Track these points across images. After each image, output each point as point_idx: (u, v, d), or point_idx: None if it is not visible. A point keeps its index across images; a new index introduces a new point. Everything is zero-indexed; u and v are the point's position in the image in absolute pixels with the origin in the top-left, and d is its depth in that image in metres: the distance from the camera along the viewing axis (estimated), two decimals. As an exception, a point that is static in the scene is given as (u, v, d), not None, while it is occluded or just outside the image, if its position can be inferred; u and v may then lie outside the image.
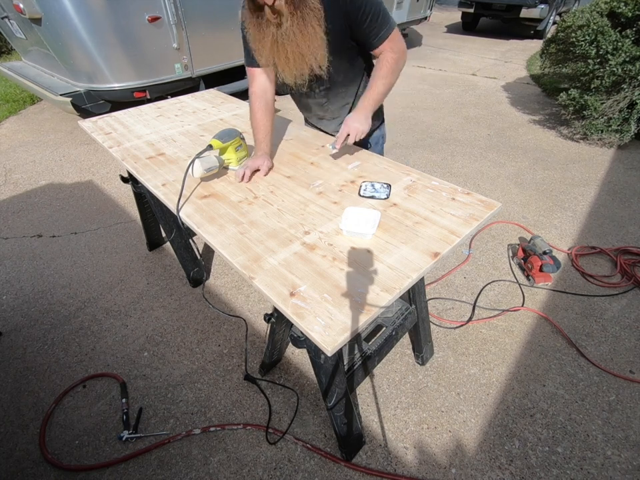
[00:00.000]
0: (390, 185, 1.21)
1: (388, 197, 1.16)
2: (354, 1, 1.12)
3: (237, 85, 3.86)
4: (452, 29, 8.66)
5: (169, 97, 3.19)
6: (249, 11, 1.11)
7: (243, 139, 1.34)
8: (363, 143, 1.49)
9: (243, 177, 1.26)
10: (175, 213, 1.11)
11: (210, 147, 1.22)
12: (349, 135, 1.21)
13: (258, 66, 1.29)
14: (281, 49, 1.14)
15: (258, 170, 1.31)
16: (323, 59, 1.18)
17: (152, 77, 3.29)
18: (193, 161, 1.18)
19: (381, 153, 1.62)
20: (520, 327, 1.79)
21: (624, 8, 3.12)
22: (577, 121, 3.54)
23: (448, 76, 5.47)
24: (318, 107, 1.47)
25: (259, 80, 1.34)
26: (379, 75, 1.23)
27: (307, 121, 1.69)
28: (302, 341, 1.01)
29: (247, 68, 1.35)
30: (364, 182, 1.23)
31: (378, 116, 1.54)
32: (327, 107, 1.45)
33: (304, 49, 1.14)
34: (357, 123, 1.20)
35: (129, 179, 1.82)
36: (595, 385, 1.55)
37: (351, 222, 1.01)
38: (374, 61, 1.29)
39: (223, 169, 1.32)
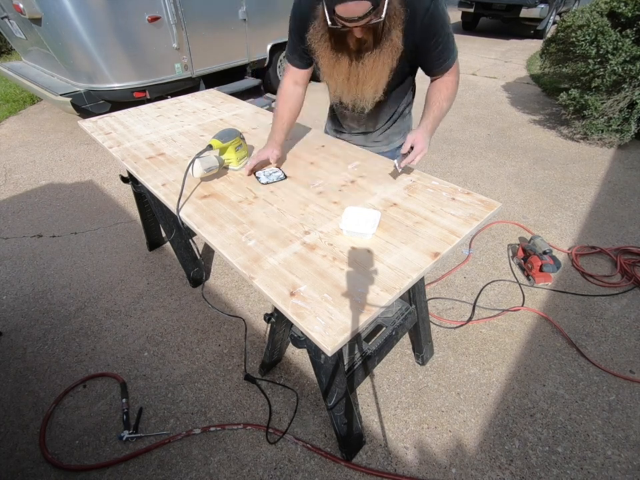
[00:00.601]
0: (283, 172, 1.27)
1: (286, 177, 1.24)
2: (428, 29, 1.08)
3: (237, 85, 3.86)
4: (452, 28, 8.65)
5: (169, 96, 3.19)
6: (329, 31, 1.04)
7: (242, 138, 1.34)
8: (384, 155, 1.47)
9: (251, 169, 1.29)
10: (175, 213, 1.11)
11: (210, 146, 1.22)
12: (417, 153, 1.14)
13: (299, 67, 1.29)
14: (352, 78, 1.14)
15: (267, 160, 1.31)
16: (382, 87, 1.18)
17: (152, 77, 3.29)
18: (193, 161, 1.18)
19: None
20: (520, 327, 1.79)
21: (624, 8, 3.12)
22: (577, 121, 3.54)
23: (448, 76, 5.46)
24: (353, 120, 1.46)
25: (295, 77, 1.32)
26: (443, 97, 1.21)
27: (330, 128, 1.63)
28: (302, 341, 1.01)
29: (287, 62, 1.32)
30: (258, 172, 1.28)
31: (402, 132, 1.51)
32: (363, 122, 1.44)
33: (368, 79, 1.13)
34: (423, 142, 1.14)
35: (129, 179, 1.82)
36: (595, 384, 1.55)
37: (351, 222, 1.01)
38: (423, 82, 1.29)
39: (223, 168, 1.32)
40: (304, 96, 1.37)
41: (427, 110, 1.23)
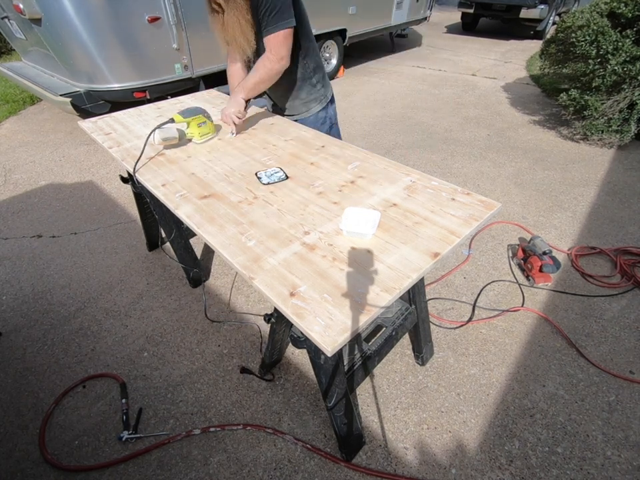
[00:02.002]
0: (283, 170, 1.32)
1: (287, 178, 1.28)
2: None
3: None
4: (452, 29, 8.66)
5: (168, 97, 3.19)
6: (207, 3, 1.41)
7: (208, 117, 1.51)
8: (303, 122, 1.72)
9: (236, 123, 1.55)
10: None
11: (172, 120, 1.41)
12: (234, 121, 1.51)
13: (222, 43, 1.53)
14: (226, 32, 1.42)
15: (240, 110, 1.54)
16: (252, 39, 1.42)
17: (152, 77, 3.29)
18: (153, 131, 1.38)
19: (331, 133, 1.77)
20: (520, 327, 1.79)
21: (624, 8, 3.13)
22: (577, 121, 3.54)
23: (448, 76, 5.47)
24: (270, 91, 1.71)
25: (232, 56, 1.60)
26: (254, 67, 1.46)
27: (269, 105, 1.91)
28: (302, 341, 1.01)
29: (225, 51, 1.60)
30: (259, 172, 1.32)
31: (318, 100, 1.71)
32: (275, 90, 1.68)
33: (237, 34, 1.40)
34: (231, 108, 1.50)
35: (129, 179, 1.82)
36: (595, 385, 1.55)
37: (351, 222, 1.01)
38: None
39: (186, 140, 1.52)
40: (243, 68, 1.63)
41: (242, 81, 1.53)
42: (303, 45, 1.53)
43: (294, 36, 1.41)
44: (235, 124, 1.53)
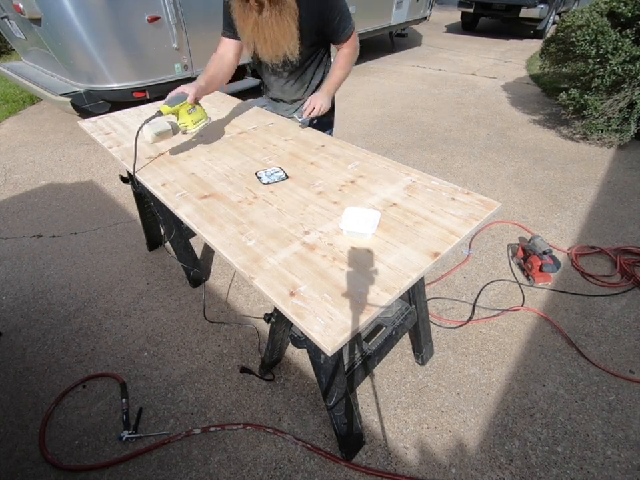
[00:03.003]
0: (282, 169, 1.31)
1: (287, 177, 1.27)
2: (327, 1, 1.37)
3: (237, 85, 3.86)
4: (452, 29, 8.66)
5: (168, 97, 3.19)
6: None
7: (197, 102, 1.37)
8: (315, 126, 1.72)
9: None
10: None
11: (160, 112, 1.27)
12: (314, 108, 1.49)
13: (230, 37, 1.52)
14: (260, 32, 1.36)
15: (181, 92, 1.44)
16: (294, 49, 1.43)
17: (152, 77, 3.29)
18: (141, 127, 1.25)
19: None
20: (520, 327, 1.79)
21: (624, 8, 3.13)
22: (577, 121, 3.54)
23: (448, 76, 5.47)
24: (278, 88, 1.69)
25: (227, 47, 1.54)
26: (338, 66, 1.53)
27: (268, 104, 1.89)
28: (302, 341, 1.02)
29: (221, 35, 1.54)
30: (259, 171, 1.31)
31: (331, 107, 1.74)
32: (285, 89, 1.68)
33: (279, 37, 1.37)
34: (321, 100, 1.50)
35: (129, 179, 1.82)
36: (595, 384, 1.55)
37: (351, 222, 1.01)
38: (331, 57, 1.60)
39: (182, 133, 1.41)
40: (233, 65, 1.58)
41: (328, 77, 1.56)
42: (329, 49, 1.65)
43: (324, 38, 1.52)
44: (310, 113, 1.51)
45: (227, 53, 1.54)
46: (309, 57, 1.55)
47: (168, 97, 1.34)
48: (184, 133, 1.41)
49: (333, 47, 1.59)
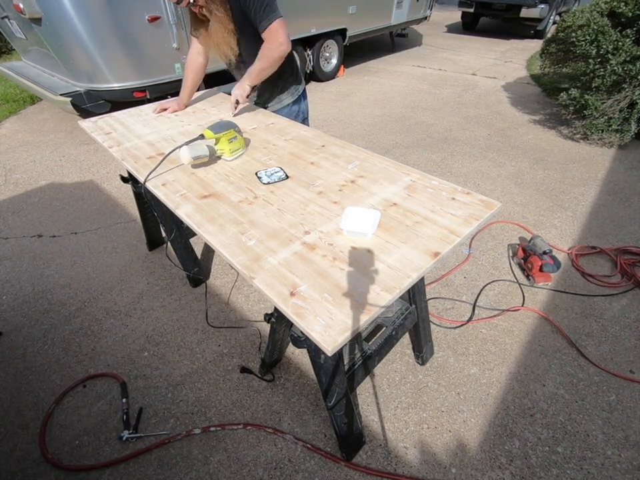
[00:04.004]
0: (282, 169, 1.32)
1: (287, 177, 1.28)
2: None
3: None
4: (452, 28, 8.66)
5: (168, 96, 3.18)
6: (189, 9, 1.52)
7: (238, 131, 1.39)
8: (278, 113, 1.85)
9: (158, 110, 1.84)
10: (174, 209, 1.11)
11: (202, 136, 1.30)
12: (235, 102, 1.64)
13: (197, 37, 1.69)
14: (211, 39, 1.58)
15: (166, 109, 1.85)
16: (234, 46, 1.60)
17: (152, 77, 3.29)
18: (180, 147, 1.25)
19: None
20: (520, 327, 1.79)
21: (624, 8, 3.12)
22: (577, 121, 3.54)
23: (448, 76, 5.47)
24: (240, 77, 1.76)
25: (196, 46, 1.73)
26: (258, 57, 1.55)
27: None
28: (302, 341, 1.02)
29: (191, 34, 1.72)
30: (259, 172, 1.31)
31: (291, 93, 1.86)
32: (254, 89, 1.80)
33: (221, 40, 1.56)
34: (236, 90, 1.62)
35: (129, 179, 1.82)
36: (595, 384, 1.55)
37: (351, 222, 1.01)
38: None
39: (215, 158, 1.38)
40: (205, 65, 1.81)
41: (248, 71, 1.61)
42: None
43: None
44: (236, 105, 1.66)
45: (198, 56, 1.76)
46: (253, 48, 1.58)
47: (214, 123, 1.37)
48: (218, 158, 1.41)
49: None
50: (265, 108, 1.90)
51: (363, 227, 0.99)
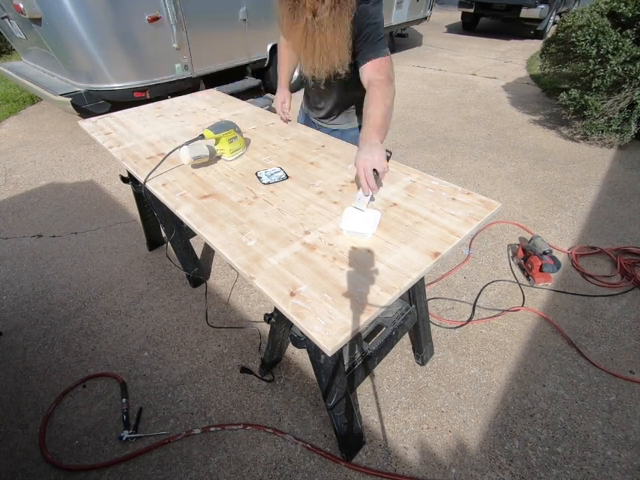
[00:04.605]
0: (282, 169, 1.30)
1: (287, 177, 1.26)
2: (365, 12, 1.12)
3: (237, 85, 3.86)
4: (452, 28, 8.66)
5: (169, 96, 3.19)
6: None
7: (239, 132, 1.38)
8: (343, 135, 1.59)
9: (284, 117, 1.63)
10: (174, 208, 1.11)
11: (202, 136, 1.28)
12: (368, 179, 1.01)
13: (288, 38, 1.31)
14: (309, 39, 1.15)
15: (284, 102, 1.62)
16: (346, 59, 1.19)
17: (152, 77, 3.29)
18: (180, 147, 1.25)
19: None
20: (520, 327, 1.79)
21: (624, 8, 3.12)
22: (577, 121, 3.54)
23: (448, 76, 5.47)
24: (316, 94, 1.56)
25: (288, 44, 1.37)
26: (373, 104, 1.14)
27: (302, 107, 1.77)
28: (302, 341, 1.02)
29: (280, 35, 1.44)
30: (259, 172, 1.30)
31: (358, 118, 1.56)
32: (325, 105, 1.56)
33: (331, 45, 1.14)
34: (369, 156, 1.02)
35: (129, 179, 1.82)
36: (595, 385, 1.55)
37: (351, 222, 1.01)
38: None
39: (215, 158, 1.38)
40: (297, 59, 1.42)
41: (364, 120, 1.15)
42: None
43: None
44: (371, 186, 1.02)
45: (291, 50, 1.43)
46: (353, 74, 1.27)
47: (214, 123, 1.33)
48: (218, 158, 1.40)
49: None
50: (332, 129, 1.63)
51: (363, 227, 0.99)
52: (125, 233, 2.43)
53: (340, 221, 1.04)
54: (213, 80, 3.74)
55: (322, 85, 1.40)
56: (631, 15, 3.10)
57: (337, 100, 1.50)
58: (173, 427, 1.42)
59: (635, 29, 3.07)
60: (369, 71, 1.19)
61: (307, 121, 1.73)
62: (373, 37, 1.16)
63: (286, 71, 1.61)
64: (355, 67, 1.26)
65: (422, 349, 1.57)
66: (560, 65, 3.78)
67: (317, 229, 1.04)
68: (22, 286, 2.04)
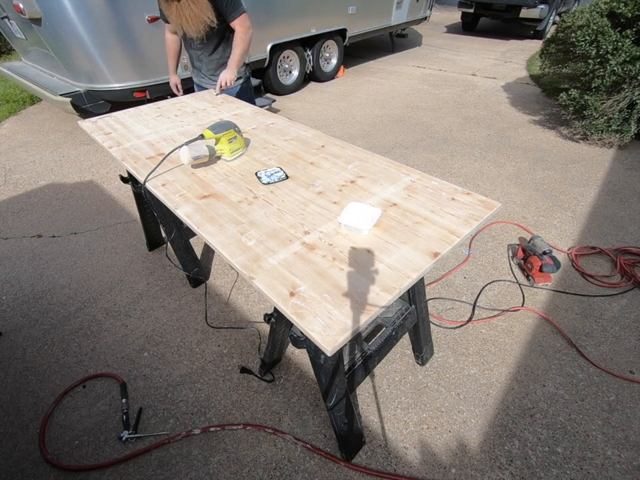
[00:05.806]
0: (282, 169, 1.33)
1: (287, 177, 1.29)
2: None
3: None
4: (452, 29, 8.66)
5: (168, 96, 3.19)
6: None
7: (238, 131, 1.39)
8: (233, 92, 2.17)
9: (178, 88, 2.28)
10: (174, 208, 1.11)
11: (202, 136, 1.30)
12: (223, 83, 1.99)
13: (167, 21, 1.99)
14: (182, 14, 1.80)
15: (177, 84, 2.28)
16: (213, 17, 1.84)
17: (152, 77, 3.29)
18: (180, 147, 1.26)
19: (250, 99, 2.28)
20: (520, 327, 1.79)
21: (624, 8, 3.12)
22: (577, 121, 3.54)
23: (448, 76, 5.47)
24: (196, 58, 2.14)
25: (170, 29, 2.09)
26: (234, 44, 1.96)
27: (193, 77, 2.35)
28: (302, 341, 1.01)
29: (161, 19, 2.04)
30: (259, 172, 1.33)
31: (244, 73, 2.22)
32: (202, 58, 2.11)
33: (198, 13, 1.79)
34: (225, 75, 1.99)
35: (129, 179, 1.82)
36: (595, 385, 1.55)
37: (350, 216, 1.02)
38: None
39: (215, 158, 1.39)
40: (179, 41, 2.15)
41: (230, 56, 2.00)
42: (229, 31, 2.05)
43: (225, 22, 1.93)
44: (222, 87, 2.02)
45: (174, 35, 2.10)
46: (216, 35, 1.97)
47: (214, 123, 1.36)
48: (218, 158, 1.41)
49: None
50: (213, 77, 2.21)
51: (360, 222, 1.00)
52: (124, 233, 2.43)
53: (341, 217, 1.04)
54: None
55: (205, 40, 1.99)
56: (630, 15, 3.10)
57: (210, 54, 2.09)
58: (173, 427, 1.42)
59: (634, 29, 3.07)
60: (235, 25, 1.92)
61: (199, 88, 2.30)
62: (227, 2, 1.82)
63: (173, 60, 2.22)
64: (222, 24, 1.92)
65: (422, 349, 1.57)
66: (560, 65, 3.78)
67: (316, 229, 1.04)
68: (22, 286, 2.04)
